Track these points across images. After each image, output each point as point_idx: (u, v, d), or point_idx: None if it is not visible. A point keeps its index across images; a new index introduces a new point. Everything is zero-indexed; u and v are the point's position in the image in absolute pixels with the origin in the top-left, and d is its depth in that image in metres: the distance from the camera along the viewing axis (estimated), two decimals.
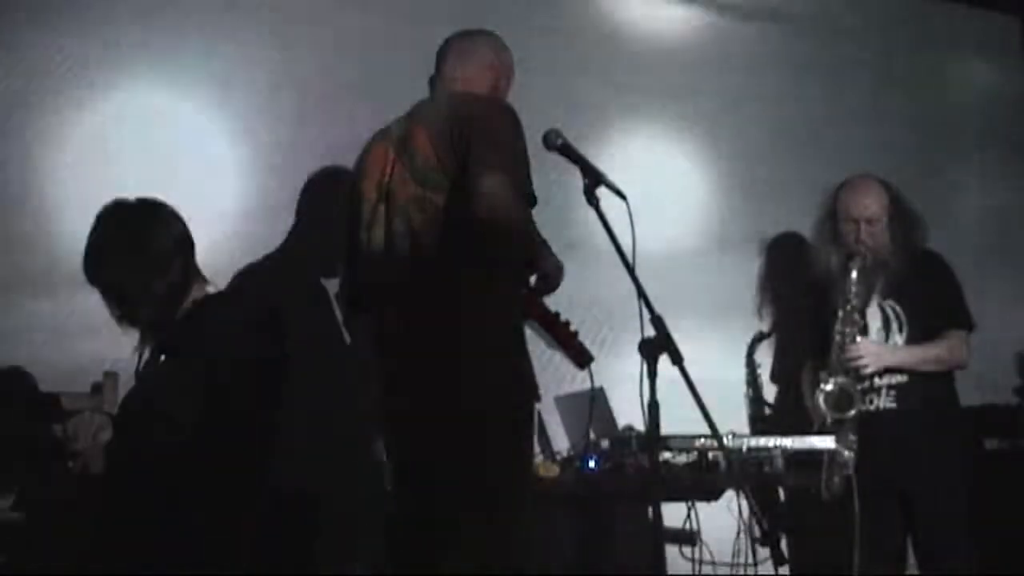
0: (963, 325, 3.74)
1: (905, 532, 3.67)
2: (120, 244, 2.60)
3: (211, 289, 2.71)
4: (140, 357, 2.77)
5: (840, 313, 3.67)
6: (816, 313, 3.86)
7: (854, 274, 3.65)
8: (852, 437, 3.55)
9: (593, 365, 2.88)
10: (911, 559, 3.73)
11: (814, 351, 3.86)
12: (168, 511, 2.52)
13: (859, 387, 3.61)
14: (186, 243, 2.68)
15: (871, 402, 3.66)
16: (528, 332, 2.80)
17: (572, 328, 2.86)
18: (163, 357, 2.69)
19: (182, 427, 2.54)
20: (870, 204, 3.73)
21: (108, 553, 2.44)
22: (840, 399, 3.60)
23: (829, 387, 3.61)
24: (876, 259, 3.70)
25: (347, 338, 3.49)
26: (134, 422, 2.63)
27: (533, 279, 2.79)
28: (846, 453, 3.53)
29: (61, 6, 3.51)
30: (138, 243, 2.60)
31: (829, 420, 3.58)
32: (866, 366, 3.62)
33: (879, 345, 3.68)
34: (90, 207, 2.67)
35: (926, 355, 3.68)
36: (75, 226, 2.74)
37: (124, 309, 2.61)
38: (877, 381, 3.67)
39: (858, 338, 3.66)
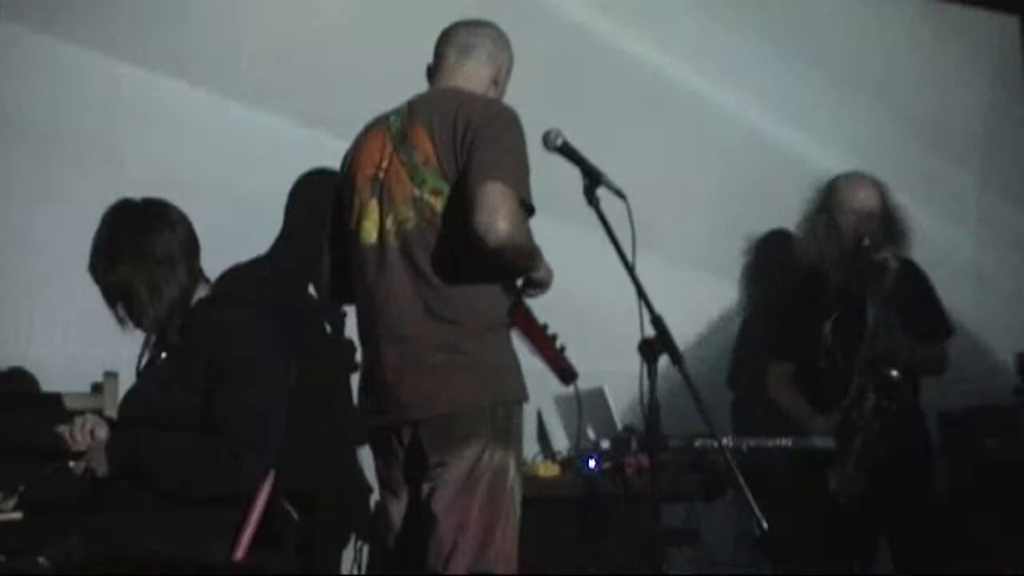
0: (943, 332, 3.84)
1: (881, 531, 3.69)
2: (129, 245, 2.61)
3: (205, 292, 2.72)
4: (141, 356, 2.78)
5: (881, 301, 3.59)
6: (795, 310, 3.84)
7: (895, 264, 3.59)
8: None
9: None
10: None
11: (784, 348, 3.84)
12: (169, 510, 2.53)
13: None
14: (192, 245, 2.68)
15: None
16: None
17: (559, 344, 2.79)
18: (164, 356, 2.70)
19: (185, 426, 2.55)
20: (869, 198, 3.76)
21: (109, 552, 2.44)
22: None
23: (895, 374, 3.53)
24: None
25: (327, 328, 3.48)
26: (136, 421, 2.64)
27: (521, 281, 2.76)
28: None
29: None
30: (146, 245, 2.61)
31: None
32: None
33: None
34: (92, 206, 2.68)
35: (923, 353, 3.72)
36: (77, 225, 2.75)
37: (130, 310, 2.61)
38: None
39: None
